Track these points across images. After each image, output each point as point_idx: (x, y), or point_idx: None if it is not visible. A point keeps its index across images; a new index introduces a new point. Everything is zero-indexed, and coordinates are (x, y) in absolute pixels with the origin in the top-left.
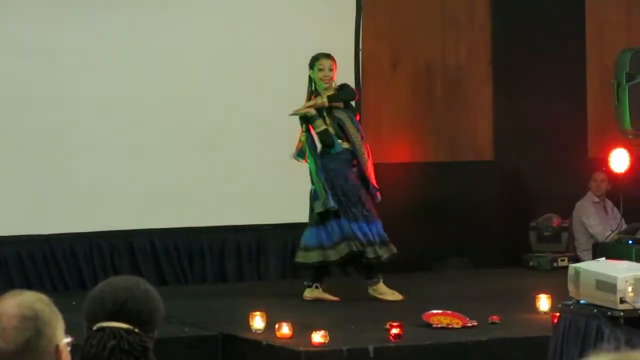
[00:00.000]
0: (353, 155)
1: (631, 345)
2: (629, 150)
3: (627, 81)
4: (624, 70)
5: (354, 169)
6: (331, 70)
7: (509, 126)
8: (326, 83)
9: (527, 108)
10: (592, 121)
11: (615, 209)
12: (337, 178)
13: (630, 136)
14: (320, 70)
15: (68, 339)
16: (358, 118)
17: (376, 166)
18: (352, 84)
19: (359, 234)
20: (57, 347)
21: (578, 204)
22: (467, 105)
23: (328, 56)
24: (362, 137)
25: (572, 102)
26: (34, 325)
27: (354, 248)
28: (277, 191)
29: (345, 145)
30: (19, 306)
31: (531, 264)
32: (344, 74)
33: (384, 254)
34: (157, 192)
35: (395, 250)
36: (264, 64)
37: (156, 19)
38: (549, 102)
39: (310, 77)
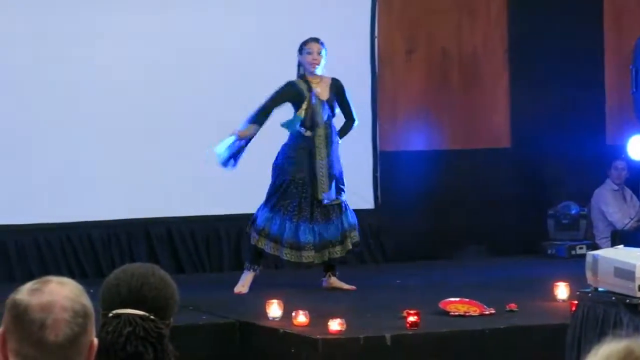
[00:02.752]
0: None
1: None
2: None
3: None
4: None
5: None
6: (319, 54)
7: (526, 113)
8: (313, 67)
9: (544, 95)
10: (610, 108)
11: (634, 197)
12: None
13: None
14: (309, 53)
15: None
16: None
17: (392, 154)
18: (368, 71)
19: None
20: (91, 343)
21: (597, 191)
22: (484, 92)
23: (316, 40)
24: None
25: (589, 89)
26: (82, 322)
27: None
28: None
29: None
30: (71, 299)
31: (549, 251)
32: (360, 60)
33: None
34: (174, 180)
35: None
36: (277, 54)
37: (154, 10)
38: (566, 89)
39: (299, 63)
